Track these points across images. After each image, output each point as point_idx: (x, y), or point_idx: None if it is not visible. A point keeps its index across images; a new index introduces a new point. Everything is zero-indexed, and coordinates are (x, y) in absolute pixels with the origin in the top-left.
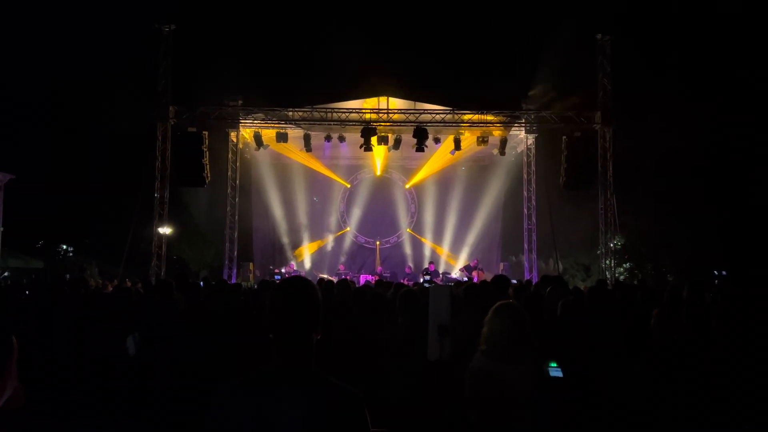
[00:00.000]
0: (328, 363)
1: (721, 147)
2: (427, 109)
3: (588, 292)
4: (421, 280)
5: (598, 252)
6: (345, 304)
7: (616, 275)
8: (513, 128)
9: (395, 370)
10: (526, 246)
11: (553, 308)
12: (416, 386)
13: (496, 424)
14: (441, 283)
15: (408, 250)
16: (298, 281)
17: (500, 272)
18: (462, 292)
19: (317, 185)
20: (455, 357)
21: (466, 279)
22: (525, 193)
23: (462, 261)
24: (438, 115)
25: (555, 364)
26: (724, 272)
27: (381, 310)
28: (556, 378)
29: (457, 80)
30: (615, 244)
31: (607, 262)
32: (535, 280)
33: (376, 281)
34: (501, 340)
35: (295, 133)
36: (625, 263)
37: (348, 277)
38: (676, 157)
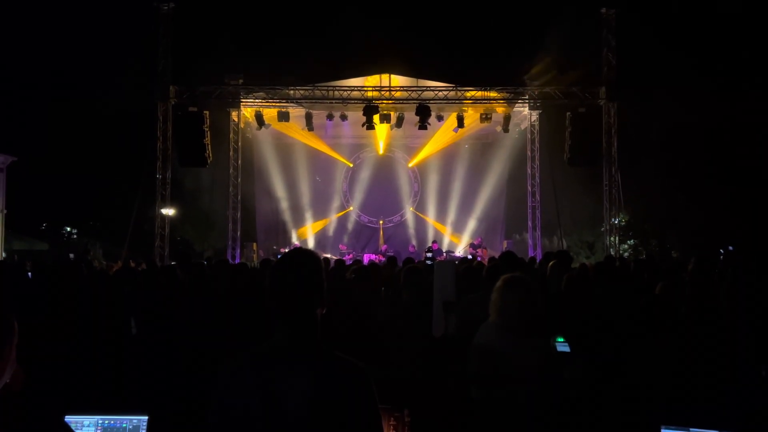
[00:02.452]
0: (333, 340)
1: (729, 122)
2: (429, 87)
3: (594, 267)
4: (424, 257)
5: (602, 229)
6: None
7: (621, 252)
8: (516, 105)
9: (399, 347)
10: (530, 223)
11: (556, 283)
12: (421, 362)
13: (500, 399)
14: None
15: (411, 229)
16: (299, 253)
17: (504, 250)
18: (486, 271)
19: (319, 164)
20: (463, 332)
21: (470, 257)
22: (529, 170)
23: (465, 239)
24: (440, 92)
25: (562, 339)
26: (730, 248)
27: (386, 287)
28: (563, 353)
29: (460, 57)
30: (619, 221)
31: (612, 239)
32: (539, 258)
33: (388, 258)
34: (510, 313)
35: (296, 111)
36: (630, 240)
37: (351, 257)
38: (683, 133)
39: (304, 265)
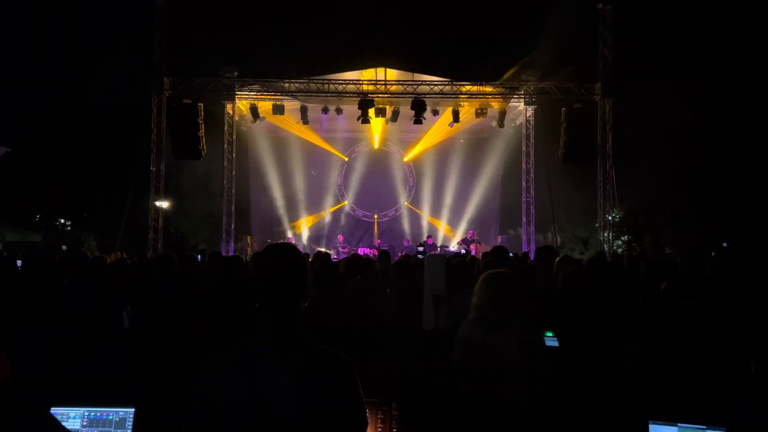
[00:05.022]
0: (324, 333)
1: (724, 118)
2: (425, 81)
3: (587, 263)
4: (416, 252)
5: (597, 225)
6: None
7: (614, 248)
8: (512, 100)
9: (390, 340)
10: (524, 219)
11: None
12: (410, 356)
13: (484, 394)
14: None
15: (406, 223)
16: (281, 248)
17: (498, 245)
18: (481, 267)
19: (315, 158)
20: (455, 327)
21: (464, 252)
22: (524, 166)
23: (460, 234)
24: (436, 87)
25: (551, 334)
26: (724, 244)
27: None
28: (552, 348)
29: (456, 51)
30: (613, 217)
31: (605, 235)
32: (532, 254)
33: (380, 252)
34: (488, 307)
35: (291, 105)
36: (624, 236)
37: (347, 250)
38: (678, 129)
39: (286, 260)
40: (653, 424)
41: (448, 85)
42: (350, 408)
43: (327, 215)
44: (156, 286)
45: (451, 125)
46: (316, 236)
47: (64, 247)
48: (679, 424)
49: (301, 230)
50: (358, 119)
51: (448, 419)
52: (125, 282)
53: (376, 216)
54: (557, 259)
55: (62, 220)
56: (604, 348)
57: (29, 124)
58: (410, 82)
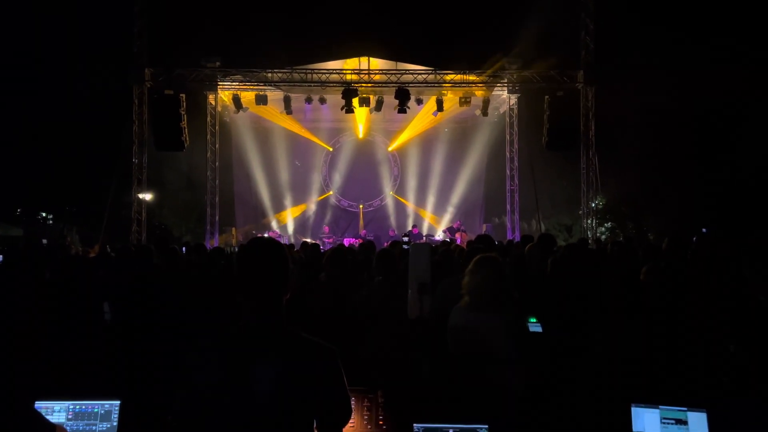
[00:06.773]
0: (308, 323)
1: (706, 105)
2: (408, 70)
3: (566, 249)
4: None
5: (580, 212)
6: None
7: (598, 235)
8: (495, 88)
9: (374, 329)
10: (508, 207)
11: (538, 266)
12: (393, 344)
13: (477, 377)
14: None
15: (391, 213)
16: (263, 242)
17: (483, 233)
18: (466, 255)
19: (299, 149)
20: (440, 315)
21: (449, 240)
22: (508, 154)
23: (445, 223)
24: (420, 76)
25: (534, 320)
26: (704, 230)
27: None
28: (535, 333)
29: (439, 40)
30: (597, 204)
31: (589, 222)
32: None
33: (366, 242)
34: (479, 290)
35: (274, 95)
36: (607, 223)
37: (332, 240)
38: (661, 117)
39: (269, 255)
40: (636, 407)
41: (431, 74)
42: (334, 395)
43: (312, 206)
44: (135, 279)
45: (435, 114)
46: (301, 227)
47: (44, 241)
48: (661, 407)
49: (287, 221)
50: (342, 109)
51: (433, 406)
52: (106, 275)
53: (361, 206)
54: (531, 243)
55: (44, 214)
56: (587, 332)
57: (7, 115)
58: (394, 71)
